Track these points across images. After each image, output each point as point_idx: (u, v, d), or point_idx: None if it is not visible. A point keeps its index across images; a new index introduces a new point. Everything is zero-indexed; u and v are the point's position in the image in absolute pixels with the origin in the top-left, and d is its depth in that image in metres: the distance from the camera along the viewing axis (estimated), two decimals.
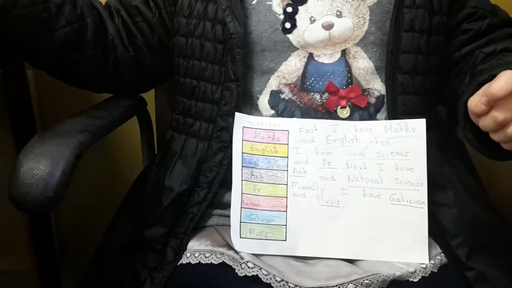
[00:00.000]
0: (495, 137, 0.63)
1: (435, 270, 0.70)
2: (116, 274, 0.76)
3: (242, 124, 0.71)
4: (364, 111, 0.75)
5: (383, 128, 0.71)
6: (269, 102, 0.75)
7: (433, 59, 0.77)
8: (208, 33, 0.75)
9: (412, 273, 0.69)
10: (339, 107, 0.74)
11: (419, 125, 0.71)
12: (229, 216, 0.72)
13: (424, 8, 0.75)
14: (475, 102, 0.62)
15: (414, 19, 0.74)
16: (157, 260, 0.73)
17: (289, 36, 0.74)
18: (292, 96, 0.75)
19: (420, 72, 0.76)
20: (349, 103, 0.75)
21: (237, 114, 0.71)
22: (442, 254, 0.72)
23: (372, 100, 0.76)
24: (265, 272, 0.67)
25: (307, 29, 0.74)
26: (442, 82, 0.82)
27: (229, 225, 0.72)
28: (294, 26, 0.74)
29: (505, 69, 0.63)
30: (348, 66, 0.75)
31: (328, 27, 0.74)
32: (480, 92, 0.63)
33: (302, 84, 0.75)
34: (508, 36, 0.80)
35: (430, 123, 0.74)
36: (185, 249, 0.73)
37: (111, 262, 0.78)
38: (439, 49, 0.78)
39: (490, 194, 0.83)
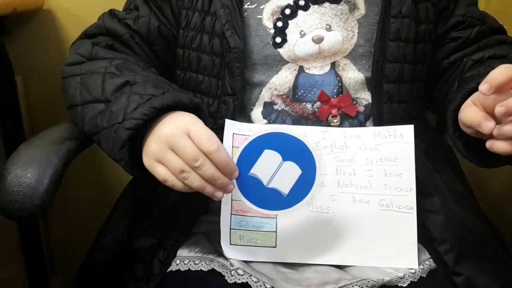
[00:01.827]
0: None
1: (424, 275, 0.70)
2: (104, 282, 0.75)
3: (232, 131, 0.71)
4: (354, 119, 0.76)
5: (371, 135, 0.72)
6: (262, 113, 0.76)
7: (419, 67, 0.78)
8: (205, 46, 0.75)
9: (401, 278, 0.69)
10: (330, 116, 0.75)
11: (407, 131, 0.71)
12: (219, 223, 0.72)
13: (410, 17, 0.75)
14: (476, 120, 0.61)
15: (400, 29, 0.74)
16: (144, 271, 0.72)
17: (280, 50, 0.75)
18: (285, 107, 0.75)
19: (406, 81, 0.76)
20: (339, 112, 0.75)
21: (227, 121, 0.71)
22: (431, 259, 0.72)
23: (361, 109, 0.76)
24: (255, 279, 0.67)
25: (297, 43, 0.74)
26: (430, 89, 0.82)
27: (219, 232, 0.72)
28: (284, 40, 0.74)
29: None
30: (338, 76, 0.75)
31: (318, 40, 0.74)
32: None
33: (294, 94, 0.75)
34: (496, 43, 0.81)
35: (418, 130, 0.74)
36: (171, 262, 0.72)
37: (99, 270, 0.77)
38: (426, 58, 0.79)
39: (480, 199, 0.83)
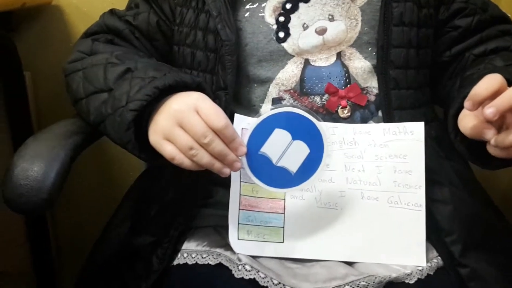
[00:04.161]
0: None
1: (431, 273, 0.70)
2: (106, 280, 0.76)
3: (241, 125, 0.71)
4: (365, 109, 0.75)
5: (381, 131, 0.71)
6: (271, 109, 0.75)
7: (423, 52, 0.77)
8: (199, 42, 0.75)
9: (408, 275, 0.69)
10: (340, 107, 0.74)
11: (418, 128, 0.71)
12: (227, 217, 0.72)
13: (412, 1, 0.75)
14: (477, 131, 0.61)
15: (403, 13, 0.74)
16: (144, 269, 0.72)
17: (284, 44, 0.74)
18: (294, 102, 0.75)
19: (412, 66, 0.76)
20: (349, 102, 0.74)
21: (236, 116, 0.71)
22: (439, 257, 0.72)
23: (372, 98, 0.76)
24: (262, 275, 0.67)
25: (301, 36, 0.74)
26: (435, 85, 0.82)
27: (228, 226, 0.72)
28: (287, 34, 0.74)
29: None
30: (345, 67, 0.75)
31: (322, 31, 0.74)
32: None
33: (302, 88, 0.75)
34: (499, 34, 0.80)
35: (427, 117, 0.74)
36: (169, 258, 0.72)
37: (103, 267, 0.77)
38: (428, 43, 0.78)
39: (490, 191, 0.82)
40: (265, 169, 0.67)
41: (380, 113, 0.75)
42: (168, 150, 0.64)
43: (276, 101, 0.75)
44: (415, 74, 0.76)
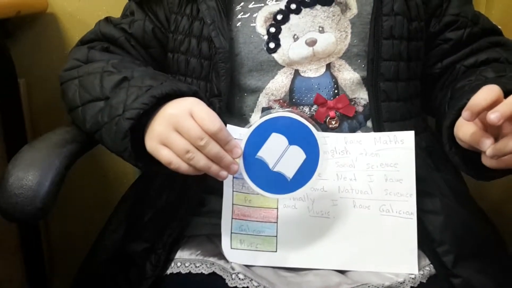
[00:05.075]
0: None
1: (424, 281, 0.70)
2: (100, 286, 0.76)
3: (234, 136, 0.71)
4: (353, 119, 0.76)
5: (372, 140, 0.72)
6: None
7: (414, 65, 0.78)
8: (193, 49, 0.76)
9: (401, 283, 0.69)
10: (328, 118, 0.75)
11: (408, 137, 0.71)
12: (221, 225, 0.72)
13: (402, 15, 0.75)
14: (474, 139, 0.62)
15: (393, 26, 0.75)
16: (138, 275, 0.73)
17: (274, 55, 0.75)
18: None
19: (402, 79, 0.76)
20: (337, 113, 0.75)
21: (228, 126, 0.71)
22: (431, 265, 0.72)
23: (360, 109, 0.76)
24: (255, 284, 0.67)
25: (291, 47, 0.75)
26: (426, 96, 0.82)
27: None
28: (278, 45, 0.75)
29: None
30: (334, 78, 0.76)
31: (312, 43, 0.75)
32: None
33: (291, 98, 0.76)
34: (489, 46, 0.81)
35: (418, 128, 0.74)
36: (162, 265, 0.72)
37: (97, 274, 0.77)
38: (419, 55, 0.79)
39: (479, 200, 0.82)
40: (262, 174, 0.67)
41: (368, 123, 0.76)
42: (164, 154, 0.64)
43: (266, 111, 0.76)
44: (405, 86, 0.77)
